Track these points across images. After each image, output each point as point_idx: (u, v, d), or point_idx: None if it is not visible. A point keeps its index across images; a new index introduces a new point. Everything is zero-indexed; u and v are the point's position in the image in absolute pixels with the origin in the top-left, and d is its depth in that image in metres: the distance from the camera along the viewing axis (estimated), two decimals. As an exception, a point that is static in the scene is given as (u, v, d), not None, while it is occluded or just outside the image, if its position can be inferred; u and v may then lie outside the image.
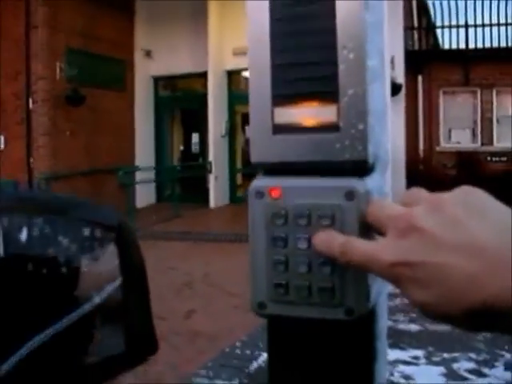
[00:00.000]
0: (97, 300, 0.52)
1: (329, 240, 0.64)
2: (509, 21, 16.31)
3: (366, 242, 0.62)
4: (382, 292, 0.72)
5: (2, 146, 13.60)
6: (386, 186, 0.74)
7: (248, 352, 5.16)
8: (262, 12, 0.70)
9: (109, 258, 0.53)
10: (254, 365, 4.85)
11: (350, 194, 0.66)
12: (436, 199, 0.58)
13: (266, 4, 0.70)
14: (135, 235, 0.56)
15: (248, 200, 0.70)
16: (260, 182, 0.70)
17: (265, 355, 4.85)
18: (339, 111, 0.67)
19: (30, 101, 13.33)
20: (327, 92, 0.68)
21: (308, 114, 0.69)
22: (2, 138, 13.61)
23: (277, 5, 0.69)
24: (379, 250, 0.59)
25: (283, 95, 0.70)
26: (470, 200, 0.57)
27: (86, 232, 0.53)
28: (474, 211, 0.56)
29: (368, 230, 0.65)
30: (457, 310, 0.54)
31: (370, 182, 0.67)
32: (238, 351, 5.25)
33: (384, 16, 0.75)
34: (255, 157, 0.72)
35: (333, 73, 0.67)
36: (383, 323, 0.76)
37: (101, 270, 0.54)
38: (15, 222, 0.53)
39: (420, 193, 0.61)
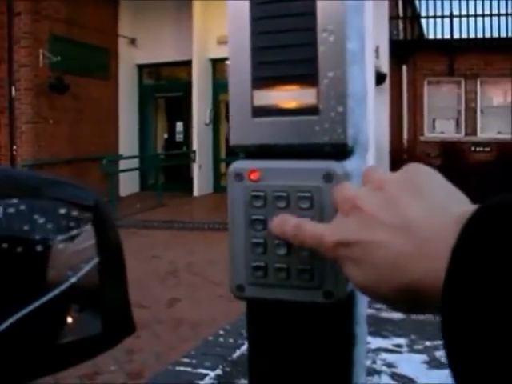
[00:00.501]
0: (73, 280, 0.52)
1: (282, 223, 0.64)
2: (493, 11, 16.38)
3: (315, 224, 0.62)
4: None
5: (-15, 134, 13.50)
6: (365, 169, 0.74)
7: (231, 340, 5.18)
8: None
9: (85, 238, 0.53)
10: (237, 353, 4.87)
11: (329, 176, 0.66)
12: (379, 179, 0.58)
13: None
14: (111, 215, 0.56)
15: (227, 182, 0.70)
16: (239, 164, 0.70)
17: (248, 343, 4.88)
18: (319, 94, 0.67)
19: (13, 89, 13.21)
20: (307, 75, 0.68)
21: (288, 96, 0.69)
22: (-15, 126, 13.50)
23: None
24: (326, 231, 0.59)
25: (263, 78, 0.69)
26: (410, 178, 0.56)
27: (62, 211, 0.52)
28: (413, 190, 0.54)
29: None
30: (387, 290, 0.53)
31: (349, 165, 0.68)
32: (221, 339, 5.26)
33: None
34: (235, 140, 0.71)
35: (313, 55, 0.67)
36: (362, 308, 0.76)
37: (77, 250, 0.53)
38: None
39: (375, 173, 0.60)
